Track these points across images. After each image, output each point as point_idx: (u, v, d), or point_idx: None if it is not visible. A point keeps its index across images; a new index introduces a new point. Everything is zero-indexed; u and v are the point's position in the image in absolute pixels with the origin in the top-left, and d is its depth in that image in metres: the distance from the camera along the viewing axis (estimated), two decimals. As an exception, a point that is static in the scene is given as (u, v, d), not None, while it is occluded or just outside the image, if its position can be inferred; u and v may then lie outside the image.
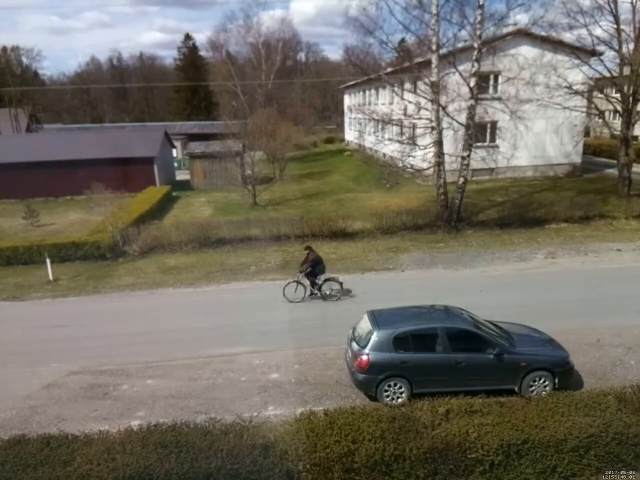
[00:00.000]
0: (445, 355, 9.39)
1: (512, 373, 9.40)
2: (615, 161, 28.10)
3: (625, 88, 23.49)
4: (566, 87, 23.91)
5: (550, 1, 21.24)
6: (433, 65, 20.68)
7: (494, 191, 27.11)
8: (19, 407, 9.93)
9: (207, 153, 33.47)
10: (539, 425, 7.02)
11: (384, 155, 37.77)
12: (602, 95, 26.23)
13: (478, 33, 19.88)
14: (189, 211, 27.76)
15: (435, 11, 19.87)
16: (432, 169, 22.60)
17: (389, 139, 30.55)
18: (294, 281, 14.60)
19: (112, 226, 20.16)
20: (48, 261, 17.59)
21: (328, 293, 14.62)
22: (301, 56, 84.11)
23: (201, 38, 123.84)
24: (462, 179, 21.30)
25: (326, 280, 14.64)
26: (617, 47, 23.39)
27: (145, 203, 25.77)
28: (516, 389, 9.38)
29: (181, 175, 39.31)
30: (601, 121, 27.00)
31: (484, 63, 20.75)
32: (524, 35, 24.66)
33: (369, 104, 44.21)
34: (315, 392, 9.96)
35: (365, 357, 9.32)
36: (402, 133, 31.37)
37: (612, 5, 22.59)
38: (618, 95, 24.35)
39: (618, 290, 14.40)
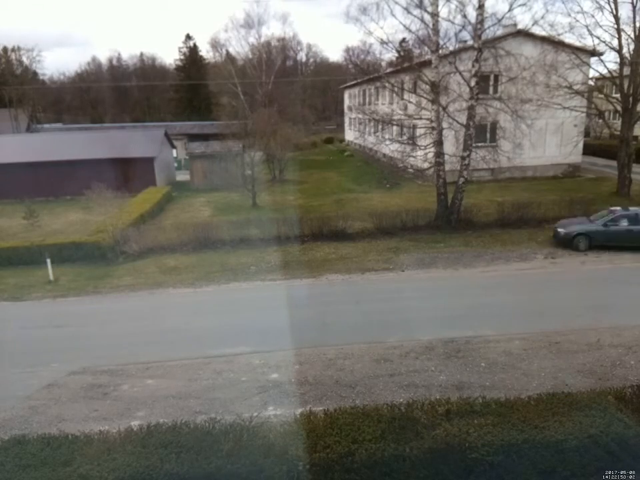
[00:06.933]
0: None
1: None
2: (615, 161, 28.11)
3: (625, 88, 23.50)
4: (566, 86, 23.91)
5: (551, 1, 21.17)
6: (433, 65, 20.69)
7: (494, 191, 27.11)
8: (19, 407, 9.93)
9: (207, 153, 33.47)
10: (539, 425, 7.01)
11: (384, 155, 37.76)
12: (602, 95, 26.26)
13: (478, 33, 19.89)
14: (189, 211, 27.76)
15: (434, 11, 19.89)
16: (432, 169, 22.60)
17: (389, 139, 30.54)
18: None
19: (112, 226, 20.16)
20: (48, 261, 17.59)
21: None
22: (301, 56, 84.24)
23: (201, 38, 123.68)
24: (462, 179, 21.30)
25: None
26: (617, 47, 23.41)
27: (145, 203, 25.78)
28: None
29: (181, 175, 39.28)
30: (601, 121, 26.99)
31: (485, 64, 20.77)
32: (524, 35, 24.67)
33: (369, 104, 44.19)
34: (315, 392, 9.96)
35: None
36: (402, 133, 31.37)
37: (612, 5, 22.62)
38: (618, 95, 24.35)
39: (618, 290, 14.41)
